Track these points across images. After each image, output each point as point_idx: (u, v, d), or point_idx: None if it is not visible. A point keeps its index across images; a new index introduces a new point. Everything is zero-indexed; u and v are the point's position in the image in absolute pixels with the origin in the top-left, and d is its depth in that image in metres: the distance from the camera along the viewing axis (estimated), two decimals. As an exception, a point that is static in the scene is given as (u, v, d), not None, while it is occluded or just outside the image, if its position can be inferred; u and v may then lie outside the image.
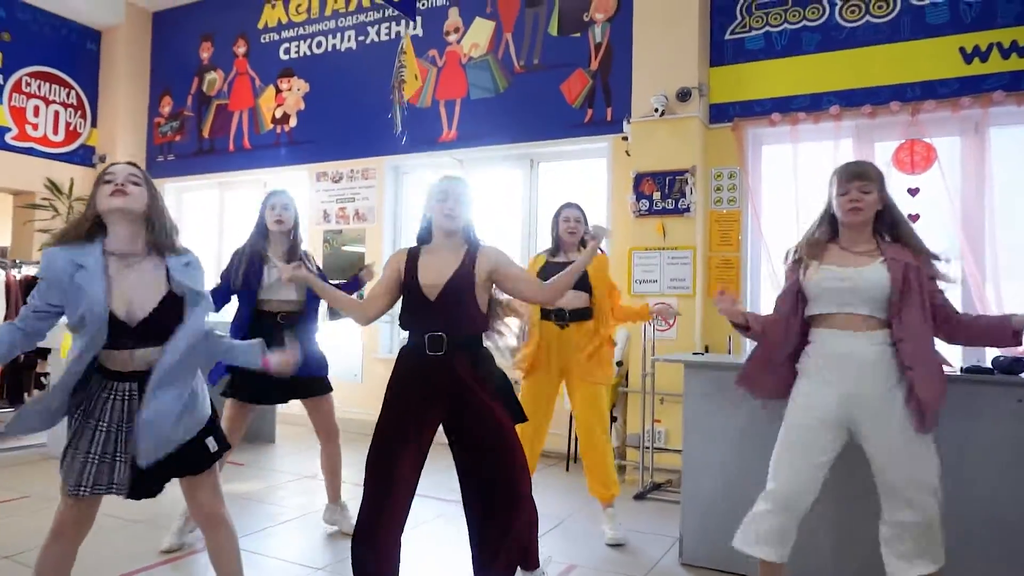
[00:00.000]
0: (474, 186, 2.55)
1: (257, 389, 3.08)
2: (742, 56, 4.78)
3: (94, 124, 7.59)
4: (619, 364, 4.69)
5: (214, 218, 7.24)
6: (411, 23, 5.97)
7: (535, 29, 5.51)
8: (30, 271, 5.51)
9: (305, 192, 6.50)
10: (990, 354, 3.66)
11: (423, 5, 6.01)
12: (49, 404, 1.91)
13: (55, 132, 7.24)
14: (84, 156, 7.50)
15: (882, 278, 2.20)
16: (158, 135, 7.64)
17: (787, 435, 2.30)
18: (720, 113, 4.81)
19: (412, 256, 2.40)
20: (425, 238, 2.45)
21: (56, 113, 7.24)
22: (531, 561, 2.54)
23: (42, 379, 5.66)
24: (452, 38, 5.87)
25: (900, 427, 2.15)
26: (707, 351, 4.50)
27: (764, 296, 4.76)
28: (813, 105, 4.54)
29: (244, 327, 3.12)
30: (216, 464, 2.08)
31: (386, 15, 6.21)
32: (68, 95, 7.35)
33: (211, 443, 2.04)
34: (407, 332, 2.40)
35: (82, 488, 1.87)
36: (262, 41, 6.94)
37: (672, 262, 4.64)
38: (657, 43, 4.79)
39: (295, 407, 3.48)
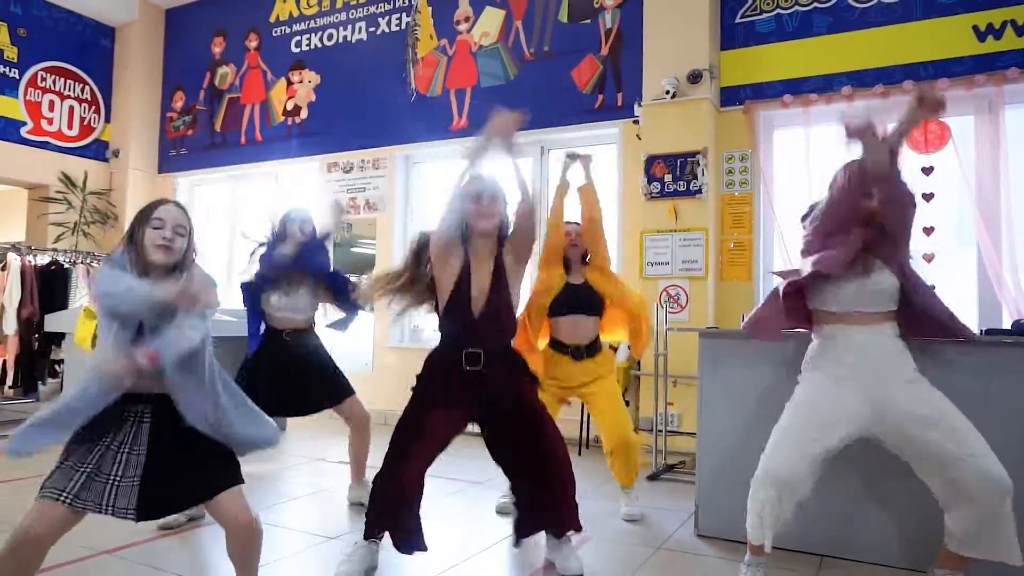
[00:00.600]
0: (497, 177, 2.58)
1: (278, 403, 3.09)
2: (753, 39, 4.78)
3: (108, 119, 7.66)
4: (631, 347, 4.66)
5: (226, 211, 7.29)
6: None
7: (545, 16, 5.52)
8: (44, 260, 5.55)
9: (316, 182, 6.54)
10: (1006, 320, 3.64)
11: (433, -5, 6.05)
12: (63, 422, 1.84)
13: (69, 127, 7.31)
14: (98, 150, 7.56)
15: (890, 281, 2.29)
16: (171, 129, 7.70)
17: (795, 421, 2.29)
18: (731, 96, 4.81)
19: (467, 260, 2.45)
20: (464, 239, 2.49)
21: (71, 108, 7.31)
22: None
23: (56, 366, 5.70)
24: (462, 27, 5.90)
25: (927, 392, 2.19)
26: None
27: (778, 278, 4.72)
28: (825, 86, 4.53)
29: (256, 340, 3.24)
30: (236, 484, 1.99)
31: (396, 6, 6.25)
32: (83, 90, 7.42)
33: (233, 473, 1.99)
34: (443, 335, 2.49)
35: (64, 494, 1.77)
36: (273, 35, 6.99)
37: (684, 244, 4.63)
38: (668, 27, 4.79)
39: None
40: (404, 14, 6.21)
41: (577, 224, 3.32)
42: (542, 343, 3.24)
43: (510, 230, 2.52)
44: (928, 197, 4.25)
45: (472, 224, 2.46)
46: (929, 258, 4.23)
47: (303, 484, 3.89)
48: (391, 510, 2.40)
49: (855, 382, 2.25)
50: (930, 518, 2.55)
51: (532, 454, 2.49)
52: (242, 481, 1.97)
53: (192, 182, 7.56)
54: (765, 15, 4.76)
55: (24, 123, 6.93)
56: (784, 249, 4.52)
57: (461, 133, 5.78)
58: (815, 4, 4.63)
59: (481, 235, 2.46)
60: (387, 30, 6.29)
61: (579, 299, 3.15)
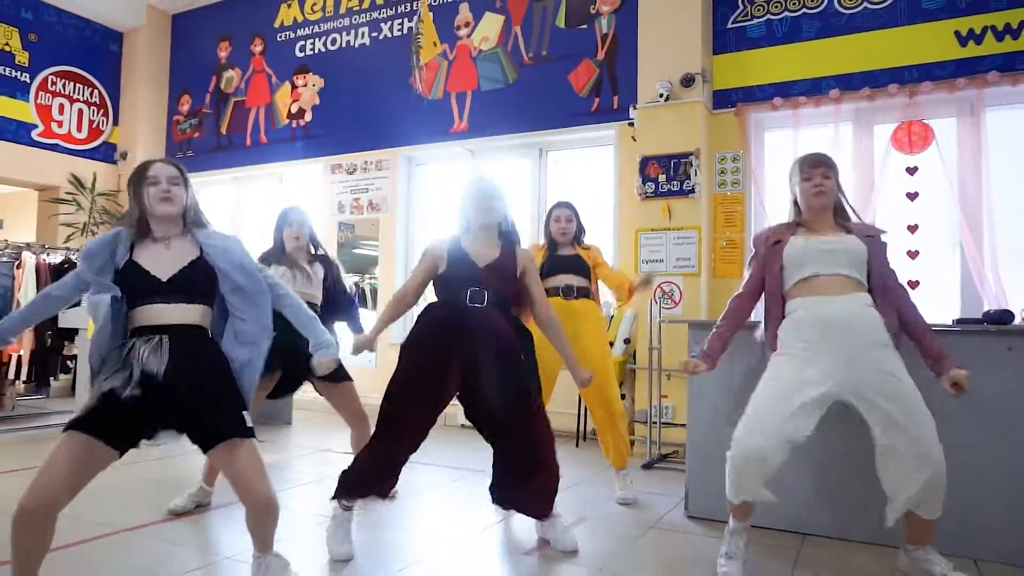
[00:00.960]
0: (496, 179, 2.83)
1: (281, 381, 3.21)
2: (744, 43, 4.94)
3: (116, 122, 7.82)
4: (627, 341, 4.83)
5: (230, 212, 7.44)
6: None
7: (543, 22, 5.69)
8: (57, 258, 5.70)
9: (320, 184, 6.70)
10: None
11: (435, 2, 6.21)
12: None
13: (79, 129, 7.47)
14: (106, 153, 7.73)
15: (860, 246, 2.40)
16: (177, 132, 7.86)
17: (770, 394, 2.37)
18: (723, 99, 4.97)
19: (454, 244, 2.68)
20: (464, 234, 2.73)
21: (80, 111, 7.48)
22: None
23: (68, 362, 5.85)
24: (463, 32, 6.06)
25: (897, 366, 2.28)
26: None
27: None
28: (814, 89, 4.69)
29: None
30: (255, 444, 2.05)
31: (398, 11, 6.41)
32: (91, 94, 7.59)
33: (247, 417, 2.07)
34: (442, 296, 2.66)
35: (86, 423, 1.88)
36: (278, 39, 7.16)
37: (678, 242, 4.78)
38: (661, 32, 4.95)
39: (311, 394, 3.54)
40: (406, 19, 6.37)
41: (568, 209, 3.54)
42: None
43: (516, 238, 2.79)
44: (912, 196, 4.41)
45: (472, 218, 2.71)
46: (913, 255, 4.39)
47: (310, 472, 4.05)
48: (377, 480, 2.58)
49: (824, 352, 2.30)
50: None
51: (516, 436, 2.63)
52: (254, 435, 2.04)
53: (198, 184, 7.67)
54: (756, 20, 4.92)
55: (35, 126, 7.09)
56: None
57: (462, 135, 5.94)
58: (804, 10, 4.79)
59: (480, 226, 2.70)
60: (389, 35, 6.45)
61: (566, 264, 3.44)
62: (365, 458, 2.59)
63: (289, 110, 7.03)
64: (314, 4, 6.94)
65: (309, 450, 4.70)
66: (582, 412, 4.96)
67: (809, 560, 2.63)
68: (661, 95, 4.81)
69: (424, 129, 6.16)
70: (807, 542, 2.83)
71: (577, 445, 4.91)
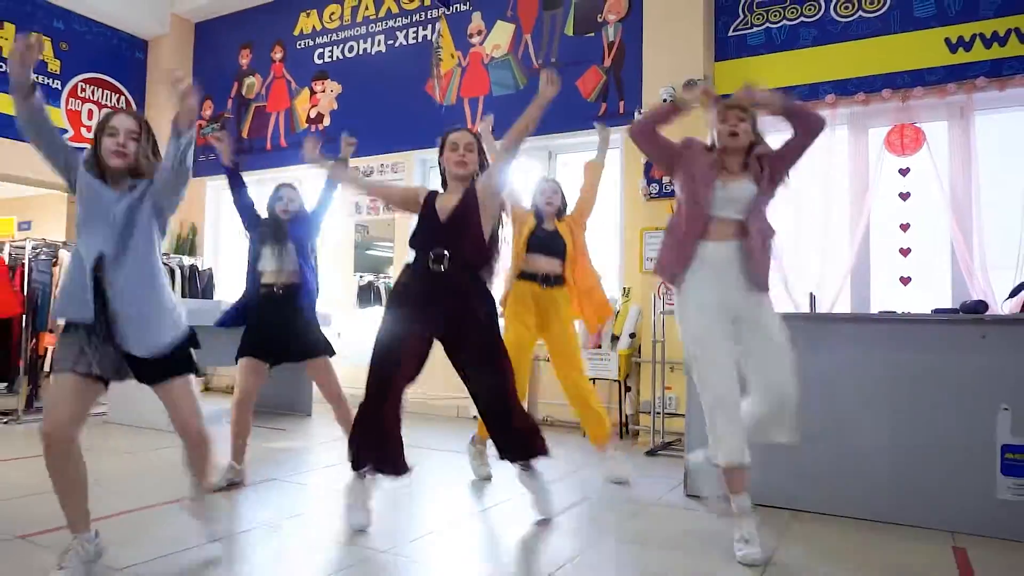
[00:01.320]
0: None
1: (264, 348, 3.45)
2: (744, 51, 5.17)
3: (141, 127, 8.12)
4: (632, 336, 5.05)
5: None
6: (445, 12, 6.43)
7: (552, 30, 5.93)
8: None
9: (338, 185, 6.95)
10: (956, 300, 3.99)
11: (449, 12, 6.47)
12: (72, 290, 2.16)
13: (106, 134, 7.77)
14: (132, 156, 8.03)
15: (751, 190, 2.59)
16: (200, 137, 8.16)
17: (697, 344, 2.59)
18: (724, 104, 5.18)
19: (431, 195, 2.92)
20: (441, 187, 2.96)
21: (107, 116, 7.78)
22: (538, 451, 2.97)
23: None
24: (475, 40, 6.31)
25: (771, 313, 2.59)
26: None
27: (767, 273, 5.09)
28: (811, 94, 4.90)
29: (249, 296, 3.54)
30: (192, 378, 2.33)
31: (413, 20, 6.67)
32: (118, 100, 7.90)
33: (193, 354, 2.34)
34: (413, 249, 2.87)
35: (70, 364, 2.11)
36: (297, 47, 7.44)
37: (680, 241, 4.99)
38: (665, 40, 5.19)
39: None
40: (420, 28, 6.63)
41: (555, 183, 3.85)
42: (514, 273, 3.71)
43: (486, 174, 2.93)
44: (905, 196, 4.61)
45: (448, 169, 2.91)
46: (905, 252, 4.59)
47: (327, 456, 4.28)
48: (377, 443, 2.73)
49: (716, 294, 2.55)
50: (897, 472, 2.93)
51: (485, 388, 2.85)
52: (185, 372, 2.30)
53: (221, 186, 7.99)
54: (756, 29, 5.14)
55: (65, 131, 7.40)
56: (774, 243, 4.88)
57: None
58: (802, 18, 5.00)
59: (455, 178, 2.89)
60: (404, 43, 6.72)
61: (549, 243, 3.68)
62: (359, 419, 2.76)
63: (308, 115, 7.30)
64: (332, 13, 7.22)
65: (328, 438, 4.92)
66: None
67: (797, 535, 2.81)
68: (664, 100, 5.03)
69: (438, 132, 6.38)
70: (795, 517, 3.05)
71: (584, 435, 5.13)
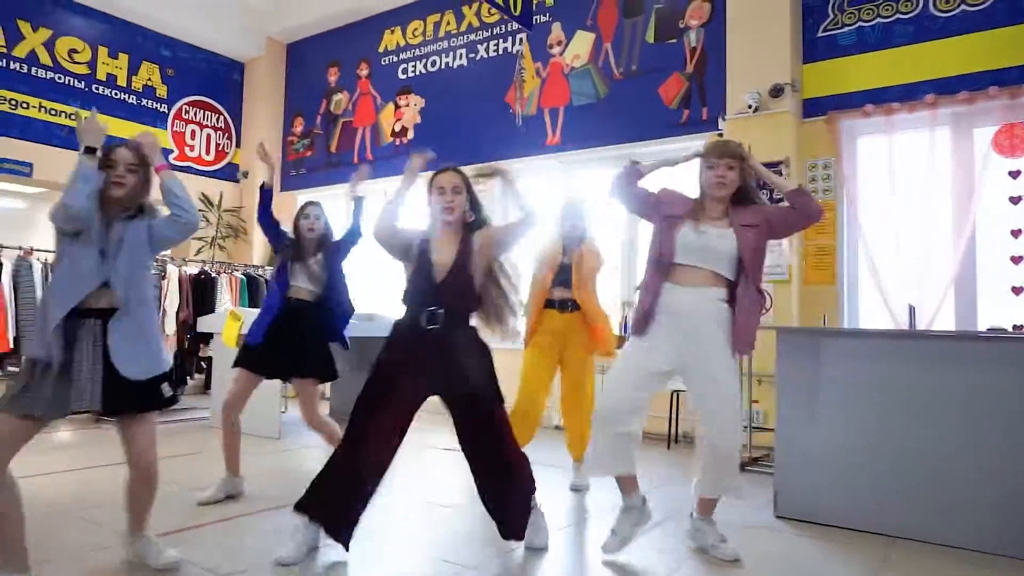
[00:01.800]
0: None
1: (260, 362, 3.46)
2: (835, 51, 4.97)
3: (238, 144, 8.59)
4: (717, 348, 4.95)
5: (339, 225, 7.98)
6: (527, 32, 6.49)
7: (633, 37, 5.89)
8: (194, 269, 6.38)
9: (422, 199, 7.12)
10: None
11: (531, 31, 6.52)
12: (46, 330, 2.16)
13: (207, 152, 8.27)
14: (230, 173, 8.51)
15: (732, 244, 2.59)
16: (291, 152, 8.54)
17: (622, 356, 2.73)
18: (814, 107, 5.01)
19: (423, 243, 2.64)
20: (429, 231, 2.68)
21: (208, 136, 8.28)
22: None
23: (202, 363, 6.52)
24: (555, 51, 6.34)
25: (721, 364, 2.58)
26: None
27: (862, 282, 4.89)
28: (908, 95, 4.66)
29: (274, 310, 3.52)
30: (155, 415, 2.32)
31: (494, 33, 6.77)
32: (217, 120, 8.38)
33: (165, 388, 2.34)
34: (406, 301, 2.65)
35: (31, 408, 2.10)
36: (382, 63, 7.68)
37: (768, 250, 4.84)
38: (750, 44, 5.06)
39: None
40: (501, 40, 6.72)
41: (578, 208, 3.82)
42: (539, 303, 3.74)
43: (481, 219, 2.73)
44: (1016, 200, 4.33)
45: (434, 215, 2.66)
46: (1017, 260, 4.30)
47: (407, 468, 4.37)
48: (340, 499, 2.50)
49: (668, 334, 2.61)
50: (1007, 501, 2.77)
51: (489, 458, 2.67)
52: (159, 408, 2.33)
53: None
54: (847, 28, 4.94)
55: (171, 151, 7.91)
56: (868, 252, 4.68)
57: (556, 148, 6.22)
58: (898, 15, 4.77)
59: (443, 223, 2.65)
60: (485, 55, 6.82)
61: (566, 277, 3.71)
62: (332, 463, 2.56)
63: (392, 129, 7.52)
64: (415, 29, 7.41)
65: (407, 446, 5.01)
66: (674, 415, 5.11)
67: (897, 565, 2.70)
68: (750, 106, 4.91)
69: (519, 144, 6.48)
70: (894, 544, 2.91)
71: (668, 447, 5.07)
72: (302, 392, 3.51)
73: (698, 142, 5.43)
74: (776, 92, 4.87)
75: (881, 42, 4.82)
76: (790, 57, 4.93)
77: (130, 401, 2.25)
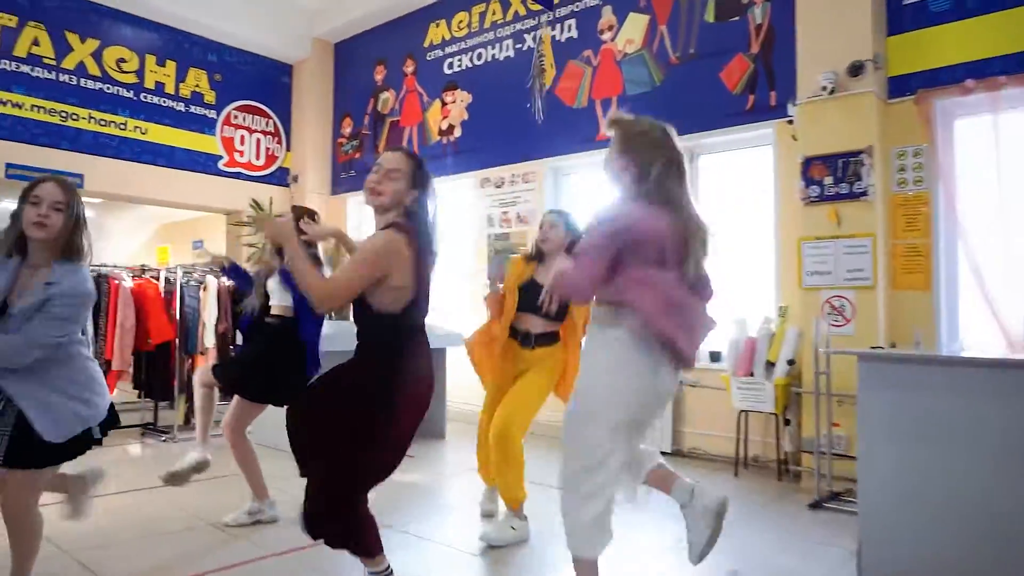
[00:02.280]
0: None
1: (262, 390, 3.29)
2: (925, 20, 4.31)
3: (288, 148, 8.47)
4: (791, 363, 4.40)
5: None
6: (551, 18, 6.07)
7: (691, 17, 5.34)
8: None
9: (470, 198, 6.81)
10: None
11: (576, 7, 6.06)
12: None
13: (257, 157, 8.17)
14: (280, 177, 8.40)
15: None
16: (341, 154, 8.36)
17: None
18: (901, 86, 4.37)
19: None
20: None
21: (258, 140, 8.17)
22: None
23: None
24: (606, 36, 5.86)
25: None
26: (894, 348, 4.09)
27: (962, 286, 4.25)
28: (1019, 66, 3.98)
29: (250, 321, 3.55)
30: (42, 472, 2.17)
31: (540, 21, 6.33)
32: (267, 124, 8.27)
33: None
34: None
35: None
36: (427, 58, 7.36)
37: (848, 251, 4.27)
38: (824, 17, 4.46)
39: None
40: (549, 28, 6.28)
41: (556, 215, 3.41)
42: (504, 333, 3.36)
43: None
44: None
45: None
46: None
47: (456, 495, 4.05)
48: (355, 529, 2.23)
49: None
50: None
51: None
52: (38, 465, 2.14)
53: (361, 202, 8.12)
54: (940, -7, 4.27)
55: (221, 157, 7.84)
56: (968, 252, 4.04)
57: (607, 143, 5.73)
58: (1003, -26, 4.08)
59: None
60: (532, 45, 6.40)
61: (534, 301, 2.76)
62: (341, 508, 2.21)
63: (440, 127, 7.20)
64: (460, 21, 7.06)
65: (463, 468, 4.66)
66: (743, 436, 4.60)
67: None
68: (825, 88, 4.32)
69: (570, 138, 6.04)
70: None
71: (736, 474, 4.55)
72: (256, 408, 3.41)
73: (767, 130, 4.89)
74: (855, 70, 4.25)
75: (982, 6, 4.13)
76: (871, 29, 4.30)
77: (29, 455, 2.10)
